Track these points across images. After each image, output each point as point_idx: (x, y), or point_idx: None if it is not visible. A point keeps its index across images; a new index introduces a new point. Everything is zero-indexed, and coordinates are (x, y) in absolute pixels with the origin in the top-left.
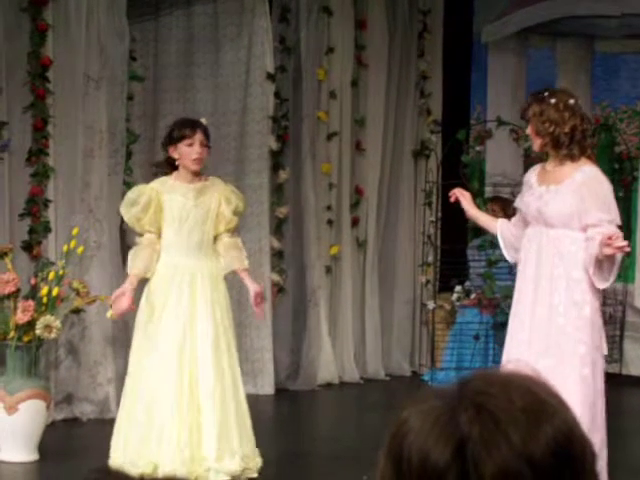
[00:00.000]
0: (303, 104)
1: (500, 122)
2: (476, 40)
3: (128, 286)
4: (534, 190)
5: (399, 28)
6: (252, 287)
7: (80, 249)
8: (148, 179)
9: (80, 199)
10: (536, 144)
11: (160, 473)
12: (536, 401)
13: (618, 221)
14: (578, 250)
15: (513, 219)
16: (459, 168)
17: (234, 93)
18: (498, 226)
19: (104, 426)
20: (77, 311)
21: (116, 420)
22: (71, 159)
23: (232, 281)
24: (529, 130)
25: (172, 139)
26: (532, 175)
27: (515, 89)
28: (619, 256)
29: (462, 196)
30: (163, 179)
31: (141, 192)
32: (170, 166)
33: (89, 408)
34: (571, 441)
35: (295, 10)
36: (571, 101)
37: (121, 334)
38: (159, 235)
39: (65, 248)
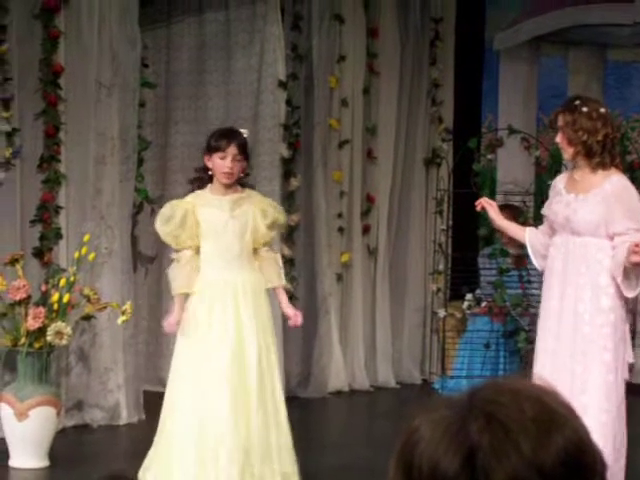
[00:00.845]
0: (315, 112)
1: (511, 130)
2: (488, 48)
3: (179, 310)
4: (562, 198)
5: (411, 36)
6: (287, 310)
7: (91, 256)
8: (160, 186)
9: (91, 206)
10: (567, 153)
11: None
12: (546, 410)
13: None
14: (605, 258)
15: (541, 227)
16: (470, 176)
17: (246, 100)
18: (527, 235)
19: (114, 432)
20: (88, 318)
21: (155, 439)
22: (83, 166)
23: None
24: (559, 139)
25: (209, 148)
26: (560, 182)
27: (527, 97)
28: None
29: (489, 205)
30: (197, 192)
31: (176, 207)
32: (205, 174)
33: (99, 415)
34: (582, 451)
35: (307, 18)
36: (602, 110)
37: (132, 341)
38: (197, 250)
39: (76, 255)
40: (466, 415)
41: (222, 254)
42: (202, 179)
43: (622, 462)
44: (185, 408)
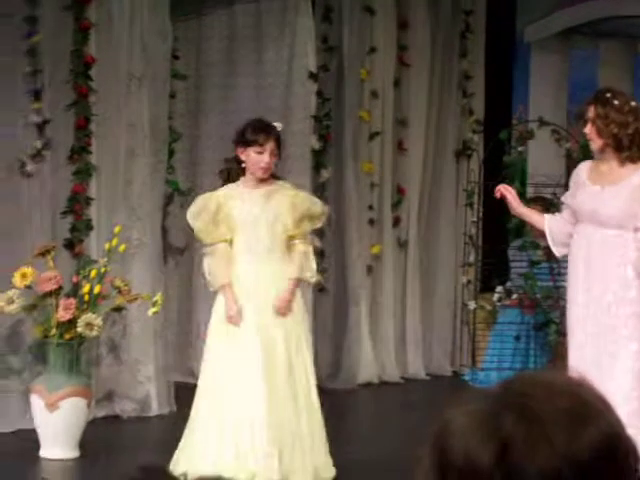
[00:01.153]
0: (345, 104)
1: (542, 122)
2: (519, 40)
3: (233, 300)
4: (587, 189)
5: (441, 28)
6: (282, 295)
7: (122, 247)
8: (190, 177)
9: (122, 197)
10: (596, 144)
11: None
12: (580, 403)
13: None
14: (631, 250)
15: (560, 215)
16: (501, 168)
17: (276, 92)
18: (546, 222)
19: (144, 424)
20: (119, 309)
21: (187, 430)
22: (113, 157)
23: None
24: (588, 130)
25: (243, 141)
26: (582, 173)
27: (557, 89)
28: None
29: (507, 192)
30: (229, 186)
31: (207, 201)
32: (239, 164)
33: (130, 406)
34: (615, 444)
35: (338, 9)
36: (633, 103)
37: (162, 332)
38: (230, 242)
39: (107, 246)
40: (500, 408)
41: (254, 247)
42: (233, 170)
43: None
44: (215, 399)
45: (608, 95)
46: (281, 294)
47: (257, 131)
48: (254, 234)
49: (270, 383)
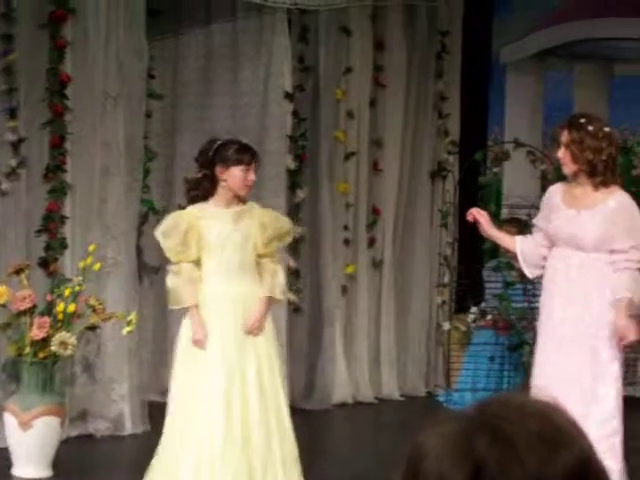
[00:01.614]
0: (321, 124)
1: (517, 144)
2: (494, 61)
3: (199, 323)
4: (563, 212)
5: (417, 49)
6: (252, 315)
7: (97, 266)
8: (165, 197)
9: (97, 216)
10: (569, 169)
11: None
12: (553, 427)
13: None
14: (609, 271)
15: (531, 237)
16: (476, 189)
17: (252, 111)
18: (518, 244)
19: (118, 443)
20: (93, 328)
21: (160, 446)
22: (88, 176)
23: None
24: (561, 154)
25: (225, 160)
26: (556, 196)
27: (533, 111)
28: None
29: (480, 215)
30: (200, 205)
31: (178, 219)
32: (208, 185)
33: (104, 425)
34: (587, 468)
35: (314, 29)
36: (607, 129)
37: (136, 351)
38: (197, 262)
39: (81, 265)
40: (473, 430)
41: (224, 267)
42: (203, 190)
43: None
44: (184, 423)
45: (582, 120)
46: (252, 314)
47: (243, 151)
48: (224, 254)
49: (237, 405)
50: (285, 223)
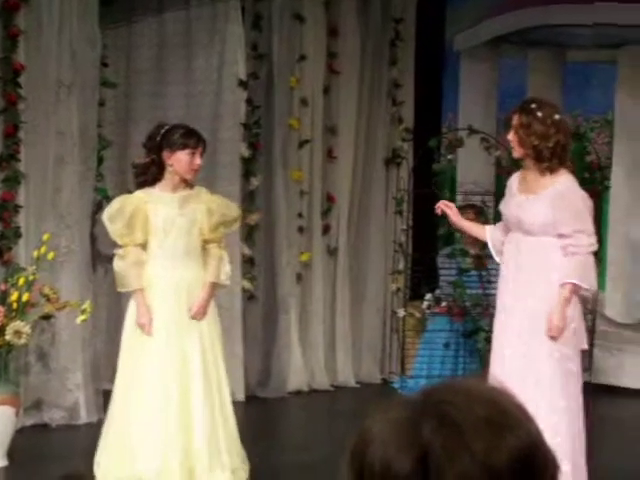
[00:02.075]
0: (275, 111)
1: (471, 131)
2: (448, 48)
3: (144, 306)
4: (515, 198)
5: (371, 36)
6: (197, 300)
7: (51, 255)
8: (119, 185)
9: (51, 205)
10: (517, 152)
11: None
12: (499, 412)
13: (590, 231)
14: (556, 256)
15: (499, 223)
16: (430, 176)
17: (206, 100)
18: (487, 233)
19: (73, 432)
20: (47, 317)
21: (103, 430)
22: (42, 165)
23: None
24: (511, 136)
25: (171, 145)
26: (514, 182)
27: (487, 98)
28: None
29: (448, 208)
30: (147, 189)
31: (126, 202)
32: (156, 169)
33: (58, 414)
34: (533, 453)
35: (267, 17)
36: (557, 116)
37: (91, 340)
38: (144, 246)
39: (36, 254)
40: (419, 415)
41: (168, 251)
42: (149, 173)
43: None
44: (127, 407)
45: (533, 106)
46: (197, 299)
47: (188, 135)
48: (169, 239)
49: (180, 391)
50: (233, 210)
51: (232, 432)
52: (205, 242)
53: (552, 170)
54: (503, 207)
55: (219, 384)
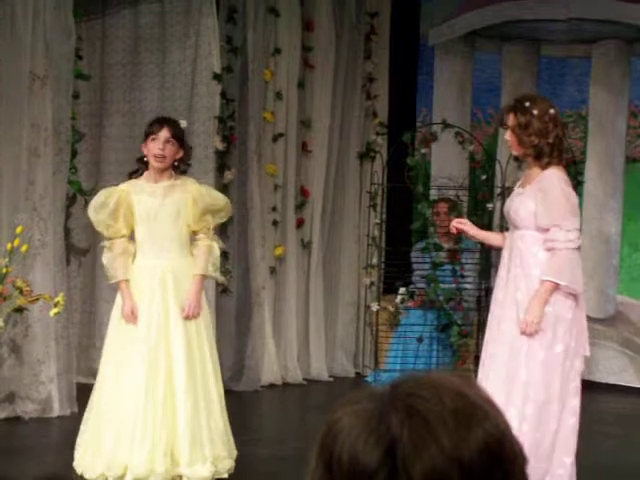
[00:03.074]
0: (249, 105)
1: (446, 125)
2: (423, 43)
3: (129, 297)
4: (514, 192)
5: (346, 30)
6: (188, 297)
7: (24, 247)
8: (93, 178)
9: (24, 197)
10: (516, 151)
11: (130, 477)
12: (467, 404)
13: (570, 227)
14: (538, 250)
15: None
16: (404, 170)
17: (180, 93)
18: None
19: (46, 425)
20: (20, 310)
21: (83, 422)
22: (16, 157)
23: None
24: (508, 136)
25: (144, 135)
26: (522, 178)
27: (461, 92)
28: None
29: (462, 225)
30: (132, 181)
31: (109, 194)
32: (145, 164)
33: (31, 407)
34: (502, 445)
35: (242, 11)
36: (552, 111)
37: (64, 333)
38: (130, 237)
39: (9, 246)
40: (387, 408)
41: (154, 241)
42: (139, 168)
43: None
44: (109, 395)
45: (527, 104)
46: (188, 297)
47: (153, 122)
48: (154, 228)
49: (162, 378)
50: (219, 199)
51: (217, 423)
52: (194, 233)
53: (551, 164)
54: None
55: (204, 375)
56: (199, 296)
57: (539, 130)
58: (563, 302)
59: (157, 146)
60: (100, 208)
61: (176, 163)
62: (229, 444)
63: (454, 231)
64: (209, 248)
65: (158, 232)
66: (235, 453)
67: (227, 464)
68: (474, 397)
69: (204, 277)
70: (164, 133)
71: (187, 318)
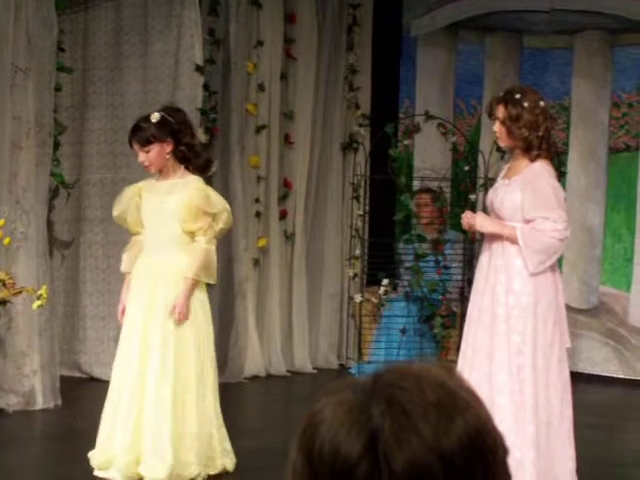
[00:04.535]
0: (232, 97)
1: (428, 116)
2: (405, 34)
3: (125, 292)
4: (496, 183)
5: (328, 21)
6: (176, 299)
7: (7, 240)
8: (76, 170)
9: (7, 190)
10: (504, 143)
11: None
12: (449, 395)
13: (557, 219)
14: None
15: None
16: (387, 162)
17: (163, 85)
18: (517, 231)
19: (30, 418)
20: (3, 302)
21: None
22: None
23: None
24: (497, 128)
25: None
26: (504, 169)
27: (444, 83)
28: (548, 244)
29: (473, 219)
30: (149, 178)
31: (124, 193)
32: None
33: (15, 400)
34: (483, 436)
35: (224, 2)
36: (542, 103)
37: (47, 325)
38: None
39: None
40: (369, 399)
41: (153, 239)
42: None
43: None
44: (112, 389)
45: (518, 96)
46: (176, 299)
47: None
48: (154, 226)
49: (140, 375)
50: (212, 205)
51: (190, 428)
52: (192, 234)
53: (540, 157)
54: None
55: (185, 381)
56: (185, 298)
57: (529, 122)
58: (538, 298)
59: (140, 160)
60: (116, 205)
61: (180, 154)
62: (204, 450)
63: (467, 228)
64: (203, 252)
65: (157, 230)
66: (219, 463)
67: (194, 470)
68: (456, 388)
69: (195, 280)
70: (135, 147)
71: (178, 321)
